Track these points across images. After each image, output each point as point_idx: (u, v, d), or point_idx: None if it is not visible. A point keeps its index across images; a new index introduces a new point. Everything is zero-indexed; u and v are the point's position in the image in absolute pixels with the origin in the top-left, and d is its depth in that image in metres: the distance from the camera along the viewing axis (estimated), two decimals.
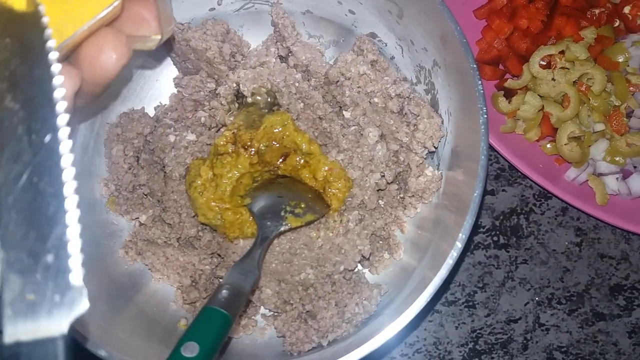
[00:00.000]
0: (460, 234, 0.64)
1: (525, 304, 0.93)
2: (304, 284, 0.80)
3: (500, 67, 1.00)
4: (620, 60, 0.94)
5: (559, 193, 0.91)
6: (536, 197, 0.97)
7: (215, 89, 0.88)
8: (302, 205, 0.79)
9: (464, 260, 0.94)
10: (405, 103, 0.84)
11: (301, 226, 0.79)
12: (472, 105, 0.69)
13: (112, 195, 0.86)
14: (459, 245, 0.64)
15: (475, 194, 0.65)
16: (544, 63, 0.94)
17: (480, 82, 0.67)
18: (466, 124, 0.74)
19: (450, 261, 0.64)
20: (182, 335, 0.58)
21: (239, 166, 0.80)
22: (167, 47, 0.89)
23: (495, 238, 0.95)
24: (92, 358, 0.64)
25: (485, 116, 0.66)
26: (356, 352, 0.63)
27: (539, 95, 0.94)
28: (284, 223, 0.77)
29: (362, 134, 0.83)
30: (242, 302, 0.65)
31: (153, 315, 0.81)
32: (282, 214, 0.78)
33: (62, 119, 0.36)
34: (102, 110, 0.86)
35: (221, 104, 0.86)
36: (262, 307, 0.84)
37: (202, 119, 0.87)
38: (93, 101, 0.51)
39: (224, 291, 0.63)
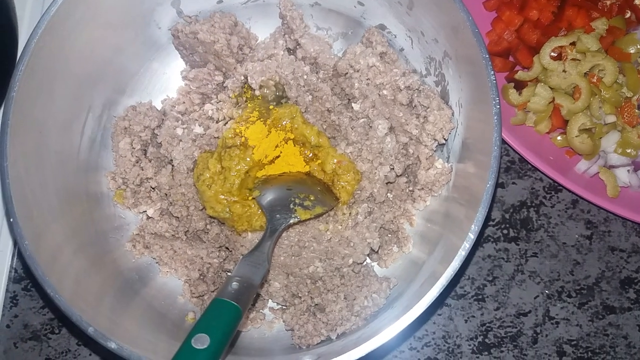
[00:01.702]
0: (473, 226, 0.63)
1: (535, 297, 0.92)
2: (312, 277, 0.80)
3: (511, 58, 0.99)
4: (631, 51, 0.93)
5: (570, 185, 0.90)
6: (546, 189, 0.97)
7: (223, 82, 0.88)
8: (312, 198, 0.78)
9: (474, 253, 0.94)
10: (415, 95, 0.83)
11: (310, 219, 0.79)
12: (484, 96, 0.68)
13: (120, 188, 0.85)
14: (472, 237, 0.63)
15: (488, 185, 0.64)
16: (554, 54, 0.93)
17: (492, 72, 0.66)
18: (478, 116, 0.74)
19: (462, 253, 0.63)
20: (193, 327, 0.58)
21: (248, 159, 0.80)
22: (175, 40, 0.88)
23: (505, 231, 0.95)
24: (102, 350, 0.64)
25: (498, 107, 0.65)
26: (365, 345, 0.63)
27: (549, 87, 0.93)
28: (293, 215, 0.77)
29: (371, 127, 0.82)
30: (252, 294, 0.64)
31: (161, 308, 0.81)
32: (291, 206, 0.77)
33: None
34: (110, 103, 0.86)
35: (229, 97, 0.86)
36: (270, 301, 0.84)
37: (210, 112, 0.86)
38: None
39: (234, 283, 0.63)
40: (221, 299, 0.61)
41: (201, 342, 0.56)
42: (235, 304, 0.60)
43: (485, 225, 0.95)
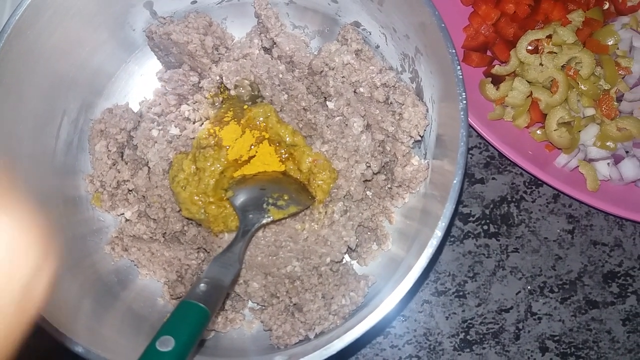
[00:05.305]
0: (440, 222, 0.63)
1: (517, 293, 0.92)
2: (290, 276, 0.80)
3: (488, 53, 0.98)
4: (609, 43, 0.92)
5: (550, 180, 0.89)
6: (527, 184, 0.96)
7: (199, 83, 0.87)
8: (285, 197, 0.78)
9: (453, 249, 0.93)
10: (391, 92, 0.83)
11: (284, 218, 0.79)
12: (452, 92, 0.68)
13: (97, 191, 0.85)
14: (439, 233, 0.63)
15: (455, 182, 0.64)
16: (531, 48, 0.93)
17: (459, 67, 0.66)
18: (449, 112, 0.73)
19: (429, 250, 0.62)
20: (158, 329, 0.57)
21: (222, 159, 0.79)
22: (149, 42, 0.88)
23: (485, 227, 0.94)
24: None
25: (465, 102, 0.65)
26: (334, 344, 0.62)
27: (527, 81, 0.92)
28: (266, 215, 0.76)
29: (346, 125, 0.82)
30: (221, 295, 0.64)
31: (140, 311, 0.81)
32: (265, 206, 0.77)
33: None
34: (87, 106, 0.86)
35: (205, 98, 0.85)
36: (249, 301, 0.84)
37: (186, 113, 0.86)
38: None
39: (202, 285, 0.63)
40: (188, 301, 0.60)
41: (166, 344, 0.55)
42: (203, 305, 0.60)
43: (465, 221, 0.94)
